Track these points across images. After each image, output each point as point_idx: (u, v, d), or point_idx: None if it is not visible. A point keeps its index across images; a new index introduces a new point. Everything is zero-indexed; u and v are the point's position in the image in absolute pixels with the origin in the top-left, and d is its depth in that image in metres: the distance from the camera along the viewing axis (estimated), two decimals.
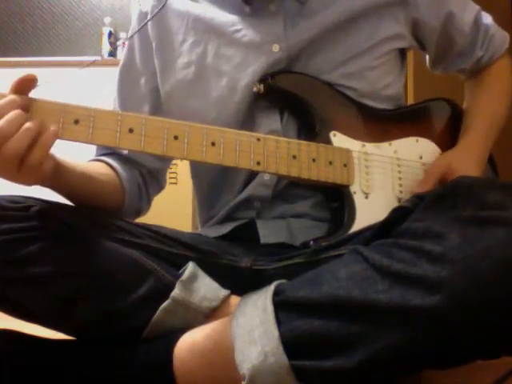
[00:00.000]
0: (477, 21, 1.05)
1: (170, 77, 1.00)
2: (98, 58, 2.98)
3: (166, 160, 1.06)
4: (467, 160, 0.97)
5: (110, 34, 3.05)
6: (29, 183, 0.75)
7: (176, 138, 0.79)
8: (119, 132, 0.77)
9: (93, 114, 0.76)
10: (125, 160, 0.99)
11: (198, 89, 0.97)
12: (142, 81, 1.03)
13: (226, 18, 0.96)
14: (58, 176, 0.79)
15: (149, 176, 1.03)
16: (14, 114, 0.70)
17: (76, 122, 0.75)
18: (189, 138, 0.80)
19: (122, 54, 3.22)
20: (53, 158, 0.76)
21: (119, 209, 0.96)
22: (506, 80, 1.10)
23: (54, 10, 3.22)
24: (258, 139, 0.84)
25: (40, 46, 3.16)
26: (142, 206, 1.02)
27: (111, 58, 3.00)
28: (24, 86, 0.73)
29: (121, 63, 1.06)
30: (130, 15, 3.03)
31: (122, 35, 3.03)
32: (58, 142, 0.74)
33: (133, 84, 1.03)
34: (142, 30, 1.02)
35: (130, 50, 1.05)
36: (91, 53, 3.09)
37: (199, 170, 1.07)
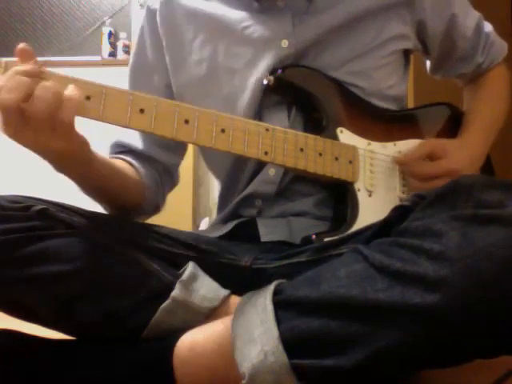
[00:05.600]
0: (478, 27, 1.07)
1: (182, 74, 1.00)
2: (99, 57, 2.98)
3: (179, 155, 1.07)
4: (462, 150, 0.98)
5: (110, 33, 3.05)
6: (63, 146, 0.73)
7: (187, 121, 0.79)
8: (130, 111, 0.76)
9: (104, 90, 0.75)
10: (140, 157, 0.99)
11: (210, 87, 0.98)
12: (156, 77, 1.03)
13: (234, 15, 0.97)
14: (89, 164, 0.79)
15: (163, 172, 1.04)
16: (22, 78, 0.69)
17: (87, 97, 0.74)
18: (199, 123, 0.80)
19: (122, 54, 3.19)
20: (85, 139, 0.76)
21: (140, 204, 0.97)
22: (504, 86, 1.12)
23: (53, 10, 3.22)
24: (267, 129, 0.85)
25: (40, 46, 3.16)
26: (160, 202, 1.03)
27: (111, 58, 3.00)
28: (26, 55, 0.73)
29: (130, 63, 1.06)
30: (130, 15, 3.04)
31: (122, 35, 3.03)
32: None
33: (146, 81, 1.04)
34: (152, 27, 1.03)
35: (141, 48, 1.05)
36: (91, 53, 3.09)
37: (214, 173, 1.09)
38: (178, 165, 1.08)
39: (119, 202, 0.92)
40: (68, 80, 0.74)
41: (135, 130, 0.80)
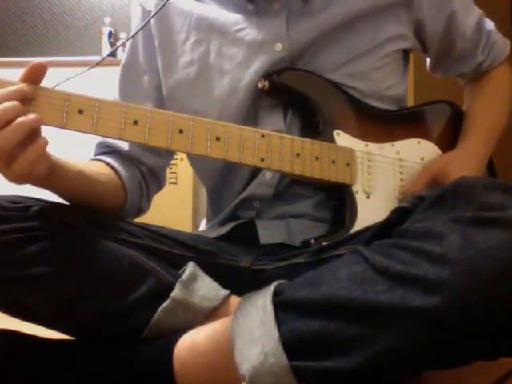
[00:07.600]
0: (479, 25, 1.05)
1: (172, 75, 1.00)
2: (99, 57, 2.98)
3: (166, 158, 1.05)
4: (465, 164, 0.97)
5: (110, 33, 3.05)
6: (19, 182, 0.74)
7: (181, 131, 0.79)
8: (123, 124, 0.76)
9: (97, 104, 0.75)
10: (125, 159, 0.98)
11: (200, 88, 0.97)
12: (146, 78, 1.03)
13: (229, 17, 0.96)
14: (53, 176, 0.78)
15: (149, 174, 1.03)
16: (9, 104, 0.69)
17: (80, 111, 0.74)
18: (193, 132, 0.80)
19: (122, 53, 3.21)
20: (48, 157, 0.75)
21: (121, 208, 0.95)
22: (506, 86, 1.10)
23: (53, 9, 3.22)
24: (263, 136, 0.84)
25: (40, 46, 3.16)
26: (143, 205, 1.02)
27: (111, 58, 3.00)
28: (34, 75, 0.72)
29: (123, 62, 1.06)
30: (130, 15, 3.03)
31: (122, 35, 3.03)
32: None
33: (136, 81, 1.03)
34: (145, 28, 1.01)
35: (133, 48, 1.04)
36: (91, 53, 3.09)
37: (201, 175, 1.07)
38: (164, 167, 1.06)
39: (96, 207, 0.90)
40: (62, 94, 0.74)
41: (129, 141, 0.79)
